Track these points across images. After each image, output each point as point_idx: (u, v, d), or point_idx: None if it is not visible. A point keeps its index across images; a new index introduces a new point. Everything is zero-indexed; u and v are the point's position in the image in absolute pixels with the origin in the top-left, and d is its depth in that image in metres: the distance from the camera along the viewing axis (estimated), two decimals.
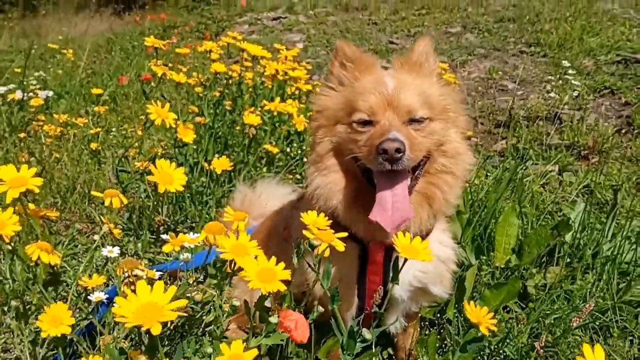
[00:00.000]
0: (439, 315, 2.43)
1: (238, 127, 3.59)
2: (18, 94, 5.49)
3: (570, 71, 5.50)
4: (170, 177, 1.61)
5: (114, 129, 5.48)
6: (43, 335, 1.32)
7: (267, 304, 1.81)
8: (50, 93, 6.21)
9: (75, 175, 3.94)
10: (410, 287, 1.77)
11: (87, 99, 6.72)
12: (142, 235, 2.68)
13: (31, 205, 1.49)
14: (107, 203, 1.72)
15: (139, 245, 1.84)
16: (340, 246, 1.42)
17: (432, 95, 1.67)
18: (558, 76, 5.91)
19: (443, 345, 2.23)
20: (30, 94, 5.80)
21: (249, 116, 2.93)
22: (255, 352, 1.14)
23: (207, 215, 2.95)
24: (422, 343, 2.07)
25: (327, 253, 1.40)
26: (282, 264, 1.31)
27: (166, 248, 1.58)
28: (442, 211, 1.68)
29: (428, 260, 1.42)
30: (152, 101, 2.23)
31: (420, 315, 2.13)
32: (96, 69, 8.68)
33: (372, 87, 1.69)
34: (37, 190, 1.48)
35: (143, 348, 1.21)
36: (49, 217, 1.69)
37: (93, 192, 1.83)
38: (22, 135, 4.69)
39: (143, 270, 1.56)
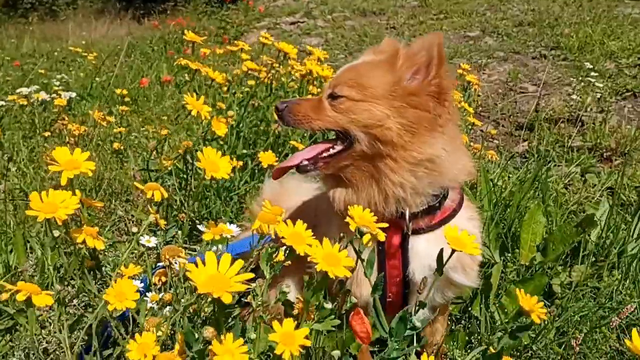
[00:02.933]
0: (464, 311, 2.44)
1: (262, 127, 3.63)
2: (43, 95, 5.57)
3: (592, 73, 5.47)
4: (217, 165, 1.64)
5: (135, 130, 5.54)
6: (110, 308, 1.35)
7: (293, 297, 1.84)
8: (73, 94, 6.29)
9: (100, 174, 4.00)
10: (430, 271, 1.72)
11: (109, 101, 6.81)
12: (170, 229, 2.74)
13: (78, 192, 1.51)
14: (148, 195, 1.77)
15: (179, 233, 1.88)
16: (382, 235, 1.45)
17: (372, 79, 1.69)
18: (580, 78, 5.89)
19: (470, 341, 2.23)
20: (54, 95, 5.89)
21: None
22: (306, 330, 1.16)
23: (231, 212, 2.98)
24: (452, 337, 2.08)
25: (367, 241, 1.42)
26: (345, 251, 1.34)
27: (206, 236, 1.60)
28: (400, 194, 1.66)
29: (476, 254, 1.43)
30: (187, 93, 2.26)
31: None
32: (117, 71, 8.78)
33: None
34: (90, 174, 1.51)
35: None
36: (96, 205, 1.73)
37: (136, 184, 1.87)
38: (46, 134, 4.76)
39: (184, 258, 1.58)
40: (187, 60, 3.20)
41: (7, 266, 2.78)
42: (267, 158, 2.08)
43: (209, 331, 1.14)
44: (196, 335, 1.19)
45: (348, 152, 1.71)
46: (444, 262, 1.47)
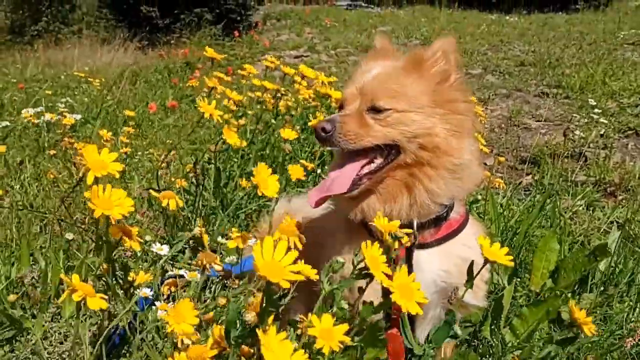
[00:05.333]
0: (474, 336, 2.41)
1: (267, 151, 3.65)
2: (49, 116, 5.59)
3: (595, 110, 5.53)
4: (267, 182, 1.63)
5: (139, 153, 5.56)
6: (168, 329, 1.29)
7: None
8: (78, 116, 6.30)
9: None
10: (435, 287, 1.71)
11: (113, 125, 6.84)
12: (177, 243, 2.71)
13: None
14: (164, 204, 1.77)
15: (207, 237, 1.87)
16: (405, 238, 1.43)
17: (410, 88, 1.67)
18: (583, 115, 5.95)
19: None
20: (59, 116, 5.91)
21: (285, 130, 2.96)
22: (346, 326, 1.14)
23: (238, 230, 2.97)
24: (462, 357, 2.04)
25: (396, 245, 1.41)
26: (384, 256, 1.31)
27: (231, 244, 1.59)
28: (427, 202, 1.65)
29: (509, 265, 1.42)
30: (202, 98, 2.27)
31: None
32: (121, 97, 8.83)
33: (359, 75, 1.80)
34: (117, 176, 1.49)
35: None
36: None
37: (151, 192, 1.86)
38: (52, 152, 4.76)
39: (220, 265, 1.56)
40: (205, 78, 3.24)
41: (8, 278, 2.74)
42: (295, 172, 2.04)
43: (250, 315, 1.13)
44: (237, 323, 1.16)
45: (391, 165, 1.67)
46: (474, 276, 1.45)
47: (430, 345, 1.40)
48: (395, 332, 1.42)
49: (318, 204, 1.71)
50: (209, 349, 1.16)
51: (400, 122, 1.65)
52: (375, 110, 1.67)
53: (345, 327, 1.15)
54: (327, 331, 1.14)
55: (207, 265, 1.53)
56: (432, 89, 1.67)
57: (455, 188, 1.68)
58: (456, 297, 1.53)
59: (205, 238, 1.74)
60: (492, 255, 1.40)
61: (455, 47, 1.68)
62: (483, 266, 1.43)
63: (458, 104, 1.68)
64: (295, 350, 1.05)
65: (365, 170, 1.69)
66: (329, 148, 1.75)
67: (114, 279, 1.88)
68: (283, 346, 1.05)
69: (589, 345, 2.31)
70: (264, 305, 1.16)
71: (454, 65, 1.68)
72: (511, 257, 1.42)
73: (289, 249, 1.43)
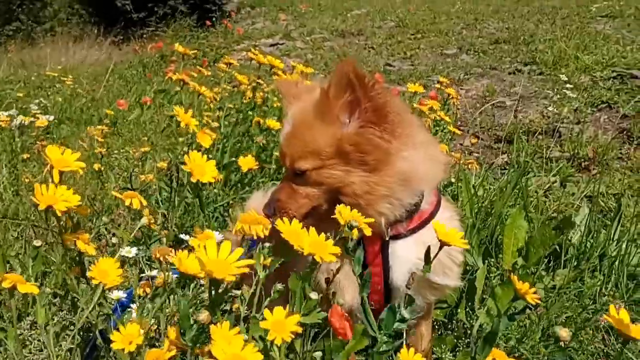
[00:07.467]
0: (451, 317, 2.44)
1: (244, 143, 3.64)
2: (20, 118, 5.53)
3: (568, 85, 5.57)
4: (203, 168, 1.63)
5: (115, 151, 5.52)
6: (94, 282, 1.36)
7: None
8: (51, 117, 6.23)
9: (81, 191, 3.96)
10: (410, 274, 1.68)
11: (88, 124, 6.77)
12: (152, 243, 2.72)
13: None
14: (127, 203, 1.77)
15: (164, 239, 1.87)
16: (368, 231, 1.44)
17: (318, 139, 1.63)
18: (556, 91, 5.99)
19: (458, 344, 2.22)
20: (32, 118, 5.85)
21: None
22: (297, 317, 1.16)
23: (215, 225, 2.97)
24: (440, 341, 2.07)
25: (355, 234, 1.43)
26: (331, 240, 1.34)
27: (193, 242, 1.59)
28: (379, 217, 1.64)
29: (464, 248, 1.43)
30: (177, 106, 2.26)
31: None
32: (95, 95, 8.74)
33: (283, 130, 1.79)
34: (81, 172, 1.54)
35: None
36: (82, 213, 1.73)
37: (114, 192, 1.87)
38: (25, 156, 4.71)
39: (175, 258, 1.57)
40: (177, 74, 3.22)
41: None
42: (246, 163, 2.06)
43: (204, 315, 1.14)
44: (191, 321, 1.18)
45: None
46: (432, 258, 1.47)
47: (384, 331, 1.42)
48: (338, 311, 1.42)
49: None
50: (166, 351, 1.17)
51: (318, 181, 1.65)
52: (296, 174, 1.68)
53: (297, 317, 1.17)
54: (279, 323, 1.16)
55: (162, 259, 1.54)
56: (340, 135, 1.61)
57: (413, 189, 1.68)
58: (414, 280, 1.54)
59: (153, 226, 1.76)
60: (447, 238, 1.41)
61: (356, 69, 1.53)
62: (439, 250, 1.44)
63: (366, 137, 1.60)
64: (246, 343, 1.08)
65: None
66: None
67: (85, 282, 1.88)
68: (234, 340, 1.08)
69: (564, 320, 2.36)
70: (213, 299, 1.18)
71: (360, 90, 1.56)
72: (466, 241, 1.44)
73: (253, 240, 1.46)
